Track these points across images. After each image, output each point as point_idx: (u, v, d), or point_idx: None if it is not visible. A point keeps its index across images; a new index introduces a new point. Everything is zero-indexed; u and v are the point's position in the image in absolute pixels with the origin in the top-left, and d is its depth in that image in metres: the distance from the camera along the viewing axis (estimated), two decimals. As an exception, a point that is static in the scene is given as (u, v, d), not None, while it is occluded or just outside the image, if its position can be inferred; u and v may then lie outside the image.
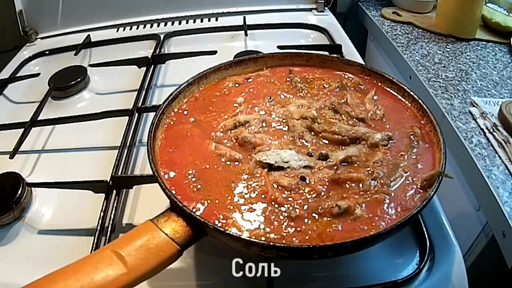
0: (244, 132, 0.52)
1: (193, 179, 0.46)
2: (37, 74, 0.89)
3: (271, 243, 0.38)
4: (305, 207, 0.43)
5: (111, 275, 0.35)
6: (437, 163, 0.47)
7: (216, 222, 0.41)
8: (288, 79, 0.62)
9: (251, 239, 0.38)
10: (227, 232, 0.38)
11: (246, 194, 0.45)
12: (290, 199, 0.44)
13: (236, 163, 0.49)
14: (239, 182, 0.46)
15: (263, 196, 0.44)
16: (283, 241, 0.39)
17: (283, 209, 0.43)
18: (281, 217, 0.42)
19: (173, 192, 0.43)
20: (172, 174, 0.47)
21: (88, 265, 0.35)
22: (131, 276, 0.35)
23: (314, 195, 0.44)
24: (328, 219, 0.42)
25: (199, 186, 0.46)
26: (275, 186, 0.45)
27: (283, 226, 0.41)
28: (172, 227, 0.39)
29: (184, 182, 0.46)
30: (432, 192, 0.42)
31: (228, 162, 0.49)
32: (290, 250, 0.38)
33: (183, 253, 0.39)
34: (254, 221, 0.42)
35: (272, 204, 0.43)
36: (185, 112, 0.56)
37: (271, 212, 0.42)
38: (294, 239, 0.40)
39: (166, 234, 0.38)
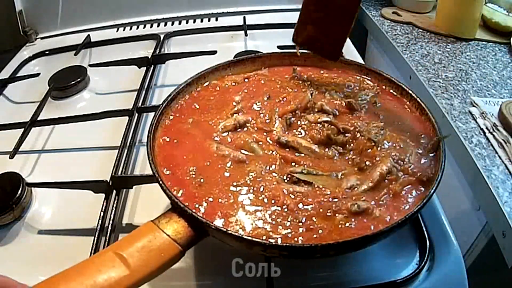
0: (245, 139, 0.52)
1: (193, 176, 0.46)
2: (37, 74, 0.89)
3: (274, 243, 0.38)
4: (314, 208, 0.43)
5: (113, 277, 0.35)
6: (437, 162, 0.47)
7: (218, 220, 0.41)
8: (296, 79, 0.62)
9: (254, 239, 0.38)
10: (229, 232, 0.38)
11: (251, 195, 0.44)
12: (301, 205, 0.43)
13: (241, 163, 0.48)
14: (242, 182, 0.46)
15: (273, 201, 0.43)
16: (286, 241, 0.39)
17: (290, 213, 0.42)
18: (289, 220, 0.42)
19: (174, 192, 0.43)
20: (173, 171, 0.47)
21: (90, 267, 0.35)
22: (133, 277, 0.35)
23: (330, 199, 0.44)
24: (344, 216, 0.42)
25: (201, 180, 0.46)
26: (285, 191, 0.45)
27: (286, 225, 0.41)
28: (174, 228, 0.39)
29: (185, 178, 0.46)
30: (432, 191, 0.42)
31: (229, 163, 0.48)
32: (293, 249, 0.38)
33: (184, 253, 0.39)
34: (255, 220, 0.42)
35: (281, 208, 0.43)
36: (184, 112, 0.56)
37: (276, 213, 0.42)
38: (300, 238, 0.40)
39: (168, 235, 0.38)
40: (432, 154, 0.49)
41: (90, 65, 0.87)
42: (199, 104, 0.58)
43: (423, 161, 0.48)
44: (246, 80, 0.62)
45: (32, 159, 0.68)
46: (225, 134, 0.53)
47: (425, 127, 0.53)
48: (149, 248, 0.37)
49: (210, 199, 0.44)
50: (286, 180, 0.46)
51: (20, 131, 0.69)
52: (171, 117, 0.55)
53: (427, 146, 0.50)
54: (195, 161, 0.48)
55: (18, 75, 0.92)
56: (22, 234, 0.56)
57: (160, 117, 0.53)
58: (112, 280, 0.34)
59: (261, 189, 0.45)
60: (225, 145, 0.51)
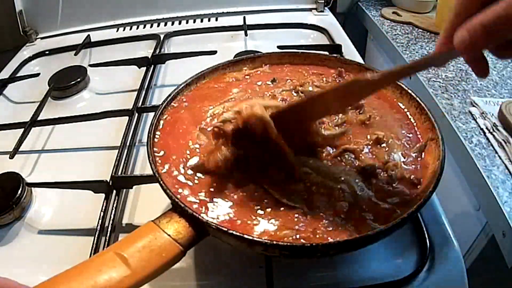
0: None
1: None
2: (37, 74, 0.89)
3: (274, 242, 0.38)
4: None
5: (114, 278, 0.34)
6: (436, 160, 0.47)
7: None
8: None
9: (254, 239, 0.38)
10: (230, 232, 0.38)
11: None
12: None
13: None
14: None
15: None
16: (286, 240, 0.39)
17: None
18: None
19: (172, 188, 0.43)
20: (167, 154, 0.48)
21: (91, 267, 0.35)
22: (134, 278, 0.35)
23: None
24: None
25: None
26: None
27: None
28: (175, 227, 0.39)
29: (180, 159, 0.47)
30: (432, 190, 0.42)
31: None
32: (293, 249, 0.38)
33: (184, 253, 0.39)
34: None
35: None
36: (183, 103, 0.57)
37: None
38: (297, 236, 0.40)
39: (169, 235, 0.38)
40: (415, 154, 0.49)
41: (90, 65, 0.87)
42: (198, 95, 0.58)
43: (410, 158, 0.48)
44: (247, 77, 0.62)
45: (32, 159, 0.68)
46: (213, 121, 0.53)
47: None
48: (150, 248, 0.37)
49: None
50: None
51: (20, 131, 0.69)
52: (170, 113, 0.56)
53: (412, 144, 0.50)
54: (182, 146, 0.49)
55: (18, 75, 0.92)
56: (22, 234, 0.56)
57: (160, 117, 0.53)
58: (113, 281, 0.34)
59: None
60: (206, 135, 0.51)
